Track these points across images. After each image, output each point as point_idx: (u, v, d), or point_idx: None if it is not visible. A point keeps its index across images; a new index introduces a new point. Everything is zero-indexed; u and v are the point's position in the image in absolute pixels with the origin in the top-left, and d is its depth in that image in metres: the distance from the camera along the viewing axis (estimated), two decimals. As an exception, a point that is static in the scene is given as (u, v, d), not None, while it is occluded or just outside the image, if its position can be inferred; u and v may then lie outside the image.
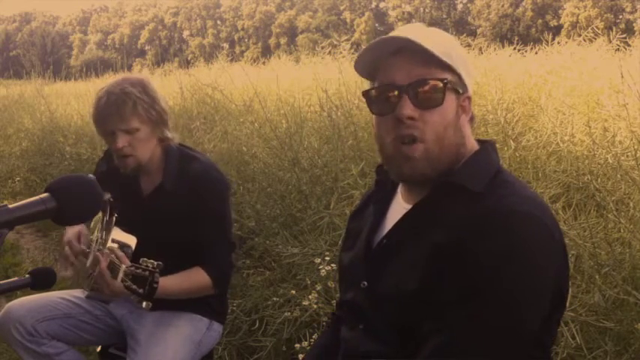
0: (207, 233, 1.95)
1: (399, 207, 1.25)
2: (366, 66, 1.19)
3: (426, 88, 1.12)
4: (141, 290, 1.64)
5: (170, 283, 1.83)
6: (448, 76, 1.13)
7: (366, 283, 1.23)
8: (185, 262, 1.92)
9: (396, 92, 1.13)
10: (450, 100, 1.14)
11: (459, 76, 1.15)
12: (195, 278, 1.93)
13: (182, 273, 1.91)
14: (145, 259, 1.68)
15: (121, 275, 1.69)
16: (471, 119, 1.22)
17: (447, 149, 1.14)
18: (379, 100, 1.17)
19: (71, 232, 2.01)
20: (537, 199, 1.13)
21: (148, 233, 1.88)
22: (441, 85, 1.12)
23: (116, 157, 1.97)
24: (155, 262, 1.65)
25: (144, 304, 1.66)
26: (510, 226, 1.04)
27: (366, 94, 1.20)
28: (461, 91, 1.16)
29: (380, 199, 1.31)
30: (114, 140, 1.92)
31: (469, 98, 1.19)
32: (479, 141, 1.24)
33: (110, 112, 1.90)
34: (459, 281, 1.04)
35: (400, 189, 1.28)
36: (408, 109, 1.11)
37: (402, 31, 1.18)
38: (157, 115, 1.93)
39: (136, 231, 1.91)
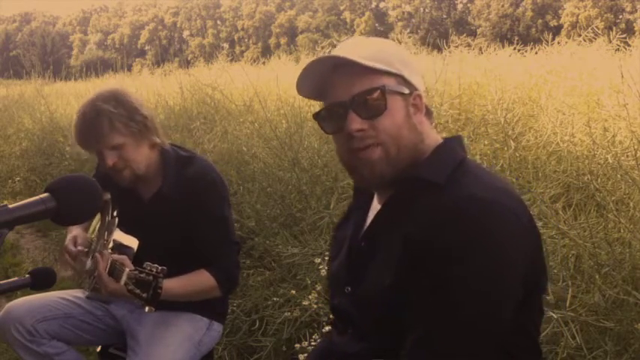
0: (210, 236, 1.94)
1: (375, 210, 1.27)
2: (312, 89, 1.23)
3: (367, 98, 1.15)
4: (144, 295, 1.64)
5: (174, 286, 1.82)
6: (387, 81, 1.16)
7: (349, 288, 1.25)
8: (188, 265, 1.91)
9: (341, 109, 1.17)
10: (396, 102, 1.17)
11: (401, 77, 1.18)
12: (200, 280, 1.92)
13: (187, 275, 1.90)
14: (149, 263, 1.67)
15: (124, 278, 1.68)
16: (428, 114, 1.23)
17: (405, 149, 1.17)
18: (329, 120, 1.21)
19: (68, 237, 2.00)
20: (500, 184, 1.14)
21: (149, 237, 1.88)
22: (379, 92, 1.15)
23: (111, 173, 1.92)
24: (159, 267, 1.65)
25: (147, 308, 1.65)
26: (470, 214, 1.05)
27: (316, 116, 1.24)
28: (407, 91, 1.18)
29: (359, 206, 1.33)
30: (103, 159, 1.89)
31: (420, 96, 1.21)
32: (449, 138, 1.25)
33: (88, 133, 1.87)
34: (426, 273, 1.06)
35: (375, 194, 1.29)
36: (355, 123, 1.15)
37: (339, 47, 1.22)
38: (138, 125, 1.88)
39: (137, 234, 1.91)
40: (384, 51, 1.19)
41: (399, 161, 1.17)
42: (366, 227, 1.26)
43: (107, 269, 1.75)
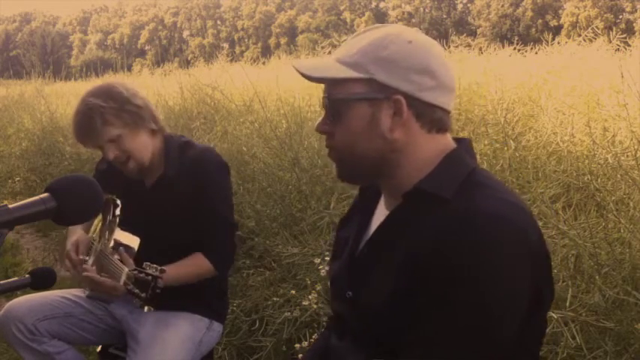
0: (209, 214, 1.96)
1: (381, 214, 1.23)
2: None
3: (327, 101, 1.15)
4: (143, 294, 1.65)
5: (171, 272, 1.81)
6: (351, 87, 1.11)
7: (350, 293, 1.22)
8: (188, 254, 1.95)
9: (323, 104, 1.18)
10: (358, 108, 1.11)
11: (374, 80, 1.10)
12: (195, 261, 1.94)
13: (182, 261, 1.93)
14: (149, 263, 1.69)
15: (123, 278, 1.69)
16: (423, 118, 1.11)
17: (362, 159, 1.14)
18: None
19: (69, 242, 2.01)
20: (508, 198, 1.08)
21: (151, 227, 1.90)
22: (334, 98, 1.13)
23: (116, 165, 1.96)
24: (159, 267, 1.66)
25: (145, 308, 1.67)
26: (477, 233, 1.01)
27: None
28: (380, 95, 1.10)
29: (364, 207, 1.30)
30: (105, 153, 1.93)
31: (406, 97, 1.09)
32: (456, 140, 1.18)
33: (83, 132, 1.90)
34: (429, 290, 1.03)
35: (383, 196, 1.25)
36: (321, 122, 1.17)
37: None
38: (131, 114, 1.89)
39: (139, 226, 1.92)
40: (364, 51, 1.11)
41: (360, 167, 1.15)
42: (370, 233, 1.22)
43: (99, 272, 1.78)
